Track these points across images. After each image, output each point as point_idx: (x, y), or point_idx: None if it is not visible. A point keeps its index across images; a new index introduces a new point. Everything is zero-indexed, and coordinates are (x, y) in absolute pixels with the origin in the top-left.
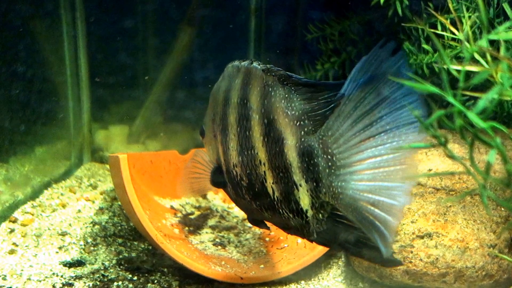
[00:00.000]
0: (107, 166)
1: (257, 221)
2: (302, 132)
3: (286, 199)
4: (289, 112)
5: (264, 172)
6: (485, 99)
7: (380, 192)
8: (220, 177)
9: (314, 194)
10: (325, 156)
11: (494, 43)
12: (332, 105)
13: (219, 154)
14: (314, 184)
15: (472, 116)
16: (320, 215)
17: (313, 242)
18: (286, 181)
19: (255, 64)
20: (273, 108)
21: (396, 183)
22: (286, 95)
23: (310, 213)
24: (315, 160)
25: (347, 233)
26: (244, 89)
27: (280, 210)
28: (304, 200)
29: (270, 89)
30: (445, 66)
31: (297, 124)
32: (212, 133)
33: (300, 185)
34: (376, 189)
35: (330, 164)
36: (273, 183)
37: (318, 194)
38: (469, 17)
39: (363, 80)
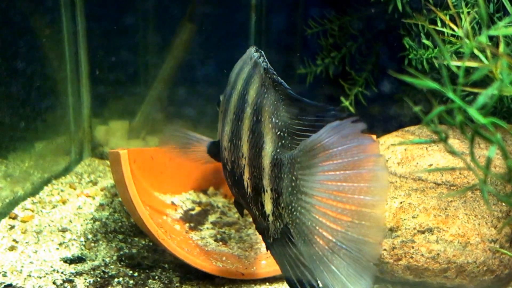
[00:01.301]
0: (107, 162)
1: (239, 205)
2: (280, 143)
3: (255, 198)
4: (273, 119)
5: (244, 165)
6: (485, 95)
7: (345, 241)
8: (216, 152)
9: (275, 204)
10: (290, 176)
11: (493, 39)
12: (305, 140)
13: (219, 129)
14: (276, 195)
15: (472, 111)
16: (278, 223)
17: (268, 251)
18: (257, 182)
19: (261, 59)
20: (263, 109)
21: (366, 238)
22: (275, 102)
23: (271, 218)
24: (282, 175)
25: (290, 251)
26: (248, 80)
27: (251, 205)
28: (268, 205)
29: (265, 90)
30: (445, 62)
31: (278, 133)
32: (222, 107)
33: (266, 191)
34: (340, 235)
35: (293, 185)
36: (248, 179)
37: (278, 205)
38: (468, 12)
39: (335, 137)
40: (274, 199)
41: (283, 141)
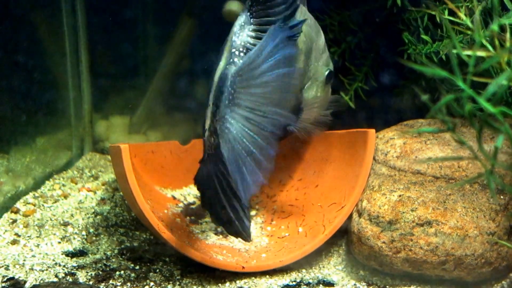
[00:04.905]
0: (109, 157)
1: None
2: (232, 60)
3: (204, 114)
4: (234, 38)
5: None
6: (495, 84)
7: (254, 146)
8: None
9: (212, 117)
10: (230, 89)
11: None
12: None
13: None
14: (215, 108)
15: (482, 101)
16: (212, 139)
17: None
18: (208, 95)
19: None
20: (230, 32)
21: (265, 145)
22: (243, 24)
23: (207, 133)
24: (223, 89)
25: (219, 165)
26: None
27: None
28: (208, 119)
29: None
30: (455, 51)
31: (233, 51)
32: None
33: (209, 105)
34: (252, 141)
35: (230, 97)
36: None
37: (214, 119)
38: (468, 6)
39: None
40: (213, 112)
41: (236, 59)
